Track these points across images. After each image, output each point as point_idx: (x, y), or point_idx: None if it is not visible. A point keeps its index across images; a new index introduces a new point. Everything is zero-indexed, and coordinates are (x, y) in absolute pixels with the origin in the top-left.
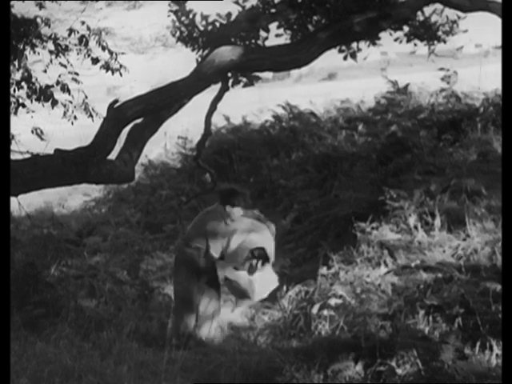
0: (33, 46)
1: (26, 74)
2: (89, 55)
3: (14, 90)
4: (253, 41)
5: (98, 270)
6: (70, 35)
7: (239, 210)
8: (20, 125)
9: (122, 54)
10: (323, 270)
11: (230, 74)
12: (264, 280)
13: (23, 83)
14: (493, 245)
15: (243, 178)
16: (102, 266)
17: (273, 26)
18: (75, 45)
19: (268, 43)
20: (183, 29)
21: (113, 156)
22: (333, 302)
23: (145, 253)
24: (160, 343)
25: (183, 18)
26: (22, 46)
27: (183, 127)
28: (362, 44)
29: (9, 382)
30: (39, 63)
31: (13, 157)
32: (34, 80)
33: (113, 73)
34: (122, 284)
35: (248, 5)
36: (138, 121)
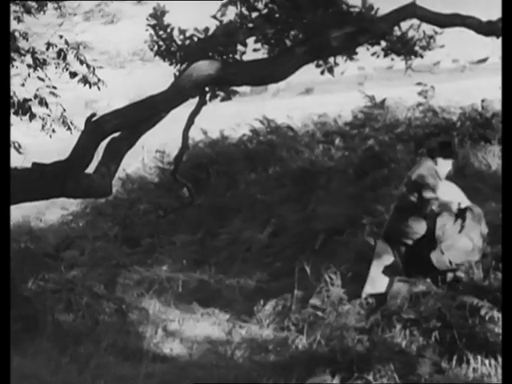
0: (11, 60)
1: None
2: (67, 69)
3: None
4: (230, 55)
5: (76, 284)
6: (48, 49)
7: (448, 163)
8: None
9: (100, 68)
10: (300, 284)
11: (207, 88)
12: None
13: None
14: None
15: (221, 191)
16: (80, 280)
17: (250, 41)
18: (53, 59)
19: (246, 58)
20: (161, 43)
21: (90, 170)
22: (310, 315)
23: (122, 267)
24: (137, 357)
25: (161, 33)
26: None
27: (161, 141)
28: (340, 59)
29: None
30: (17, 77)
31: None
32: (12, 94)
33: (91, 86)
34: (99, 298)
35: (226, 19)
36: (116, 134)
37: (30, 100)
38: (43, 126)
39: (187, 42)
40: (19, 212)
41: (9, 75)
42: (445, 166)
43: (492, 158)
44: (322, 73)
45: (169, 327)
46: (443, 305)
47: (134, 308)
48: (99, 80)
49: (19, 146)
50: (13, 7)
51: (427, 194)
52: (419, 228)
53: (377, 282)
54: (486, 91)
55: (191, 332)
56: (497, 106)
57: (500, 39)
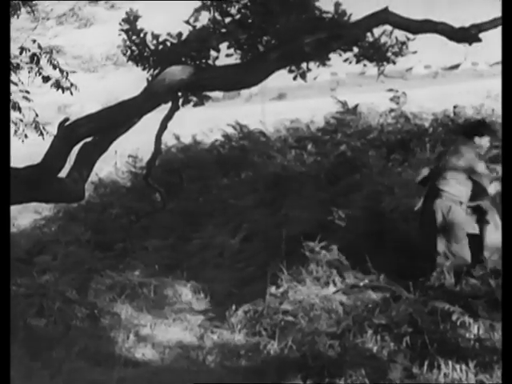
0: None
1: None
2: (40, 73)
3: None
4: (203, 60)
5: (48, 289)
6: (21, 53)
7: (486, 139)
8: None
9: (73, 72)
10: (272, 289)
11: (180, 93)
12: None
13: None
14: (441, 264)
15: (193, 196)
16: (52, 284)
17: (223, 46)
18: (26, 63)
19: (218, 63)
20: (134, 48)
21: (63, 174)
22: (282, 321)
23: (94, 271)
24: (110, 362)
25: (134, 37)
26: None
27: (133, 146)
28: (312, 64)
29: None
30: None
31: None
32: None
33: (63, 91)
34: (72, 303)
35: (199, 24)
36: (89, 139)
37: None
38: (16, 131)
39: (160, 46)
40: None
41: (8, 77)
42: (483, 143)
43: None
44: (295, 78)
45: (141, 332)
46: (415, 310)
47: (106, 313)
48: (72, 85)
49: None
50: None
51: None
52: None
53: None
54: (458, 97)
55: (163, 337)
56: (469, 111)
57: (472, 45)
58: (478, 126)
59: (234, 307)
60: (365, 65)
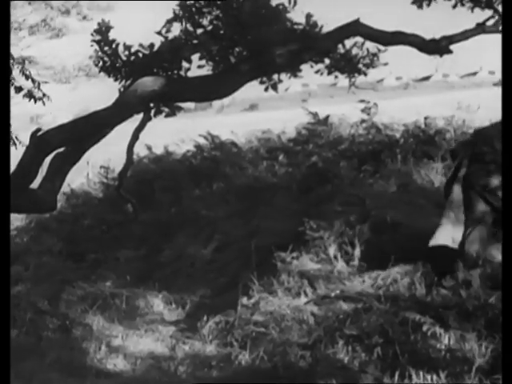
0: None
1: None
2: (12, 84)
3: None
4: (175, 71)
5: (20, 300)
6: None
7: None
8: None
9: (45, 82)
10: (244, 300)
11: (152, 104)
12: None
13: None
14: (412, 275)
15: (165, 207)
16: (24, 295)
17: (195, 57)
18: None
19: (190, 74)
20: (106, 59)
21: (35, 185)
22: (253, 331)
23: (66, 282)
24: (81, 373)
25: (106, 48)
26: None
27: (105, 157)
28: (284, 75)
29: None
30: None
31: None
32: None
33: (36, 101)
34: (43, 314)
35: (171, 35)
36: (61, 150)
37: None
38: None
39: (132, 57)
40: None
41: (8, 79)
42: None
43: (435, 174)
44: (266, 89)
45: (112, 343)
46: (385, 321)
47: (78, 324)
48: (44, 95)
49: None
50: None
51: None
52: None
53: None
54: (429, 108)
55: (135, 348)
56: (440, 123)
57: (443, 57)
58: None
59: (205, 318)
60: (336, 76)
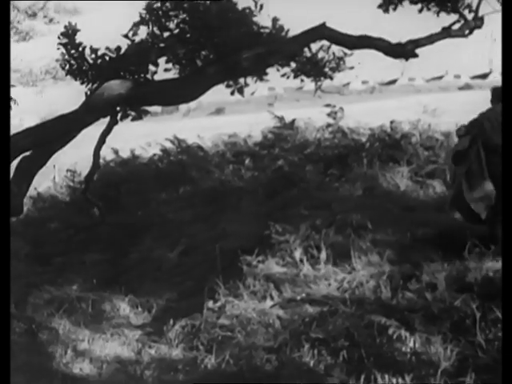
0: None
1: None
2: None
3: None
4: (142, 75)
5: None
6: None
7: None
8: None
9: (12, 86)
10: (210, 304)
11: (118, 108)
12: None
13: None
14: (378, 278)
15: (132, 211)
16: None
17: (162, 61)
18: None
19: (157, 77)
20: (73, 62)
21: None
22: (219, 335)
23: (33, 286)
24: (48, 377)
25: (73, 51)
26: None
27: (72, 160)
28: (250, 79)
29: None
30: None
31: None
32: None
33: None
34: (10, 318)
35: (137, 39)
36: (27, 153)
37: None
38: None
39: (99, 60)
40: None
41: (9, 79)
42: None
43: (400, 178)
44: (232, 93)
45: (79, 347)
46: (351, 324)
47: (44, 328)
48: (11, 98)
49: None
50: None
51: None
52: None
53: None
54: (394, 112)
55: (101, 352)
56: (405, 126)
57: (409, 61)
58: None
59: (171, 322)
60: (302, 80)
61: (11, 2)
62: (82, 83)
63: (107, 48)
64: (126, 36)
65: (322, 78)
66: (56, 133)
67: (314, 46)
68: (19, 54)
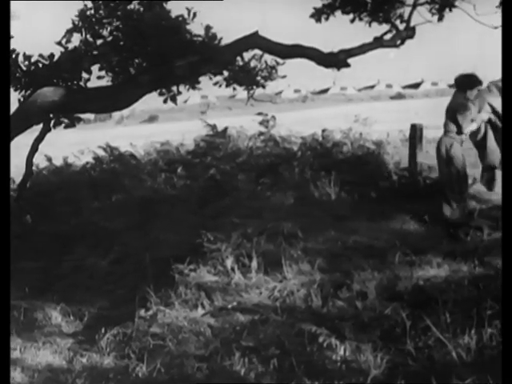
0: None
1: None
2: None
3: None
4: (75, 82)
5: None
6: None
7: (475, 91)
8: None
9: None
10: (141, 312)
11: (51, 115)
12: None
13: None
14: (308, 286)
15: (64, 219)
16: None
17: (95, 68)
18: None
19: (90, 85)
20: None
21: None
22: (150, 343)
23: None
24: None
25: None
26: None
27: None
28: (183, 87)
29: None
30: None
31: None
32: None
33: None
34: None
35: (71, 46)
36: None
37: None
38: None
39: (32, 67)
40: None
41: (8, 79)
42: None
43: (331, 187)
44: (165, 101)
45: (10, 356)
46: (282, 332)
47: None
48: None
49: None
50: None
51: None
52: None
53: None
54: (326, 121)
55: (33, 360)
56: (337, 135)
57: (341, 71)
58: (468, 80)
59: (103, 330)
60: (235, 88)
61: None
62: (15, 90)
63: (40, 55)
64: (59, 43)
65: (255, 87)
66: None
67: (247, 55)
68: None
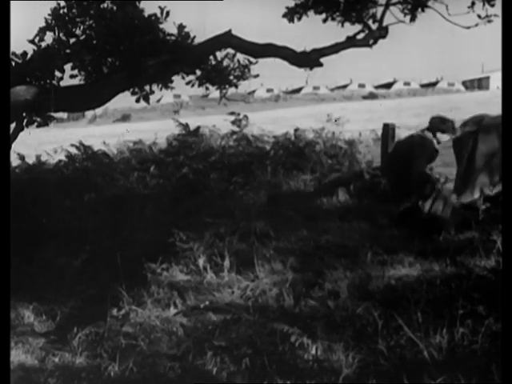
0: None
1: None
2: None
3: None
4: (48, 81)
5: None
6: None
7: (446, 136)
8: None
9: None
10: (114, 311)
11: (24, 114)
12: None
13: None
14: (281, 286)
15: (36, 218)
16: None
17: (68, 67)
18: None
19: (63, 84)
20: None
21: None
22: (123, 343)
23: None
24: None
25: None
26: None
27: None
28: (156, 86)
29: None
30: None
31: None
32: None
33: None
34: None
35: (43, 44)
36: None
37: None
38: None
39: None
40: None
41: (9, 79)
42: (443, 138)
43: (304, 186)
44: (138, 100)
45: None
46: (254, 332)
47: None
48: None
49: None
50: None
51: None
52: None
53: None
54: (299, 120)
55: None
56: (309, 135)
57: (314, 70)
58: (441, 125)
59: (75, 329)
60: (207, 88)
61: None
62: None
63: (13, 53)
64: (32, 41)
65: (227, 86)
66: None
67: (220, 54)
68: None
